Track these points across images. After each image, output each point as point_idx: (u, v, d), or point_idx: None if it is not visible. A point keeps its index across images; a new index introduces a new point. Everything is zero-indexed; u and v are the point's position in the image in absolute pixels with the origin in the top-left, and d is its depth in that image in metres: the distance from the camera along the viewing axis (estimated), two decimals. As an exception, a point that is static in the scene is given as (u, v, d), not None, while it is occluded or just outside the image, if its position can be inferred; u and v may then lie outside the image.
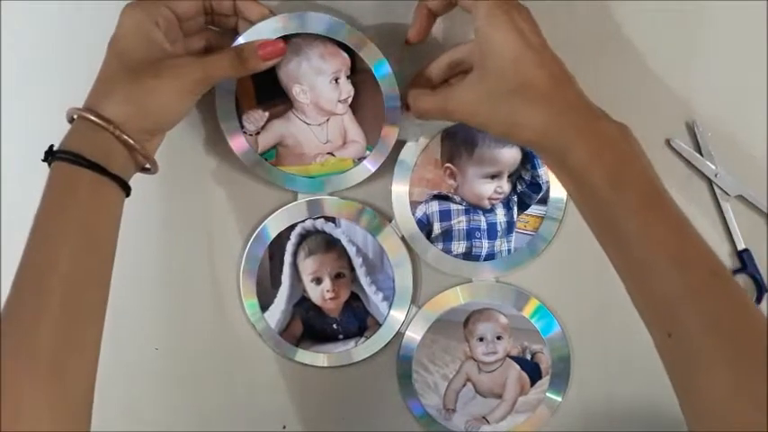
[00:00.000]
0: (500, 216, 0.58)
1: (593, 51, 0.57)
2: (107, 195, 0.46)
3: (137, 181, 0.48)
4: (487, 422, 0.61)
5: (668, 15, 0.57)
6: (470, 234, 0.58)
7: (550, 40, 0.46)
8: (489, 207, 0.58)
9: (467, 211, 0.58)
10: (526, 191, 0.58)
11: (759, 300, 0.59)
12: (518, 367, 0.60)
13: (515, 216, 0.58)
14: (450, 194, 0.58)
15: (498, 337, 0.60)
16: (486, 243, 0.58)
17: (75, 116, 0.47)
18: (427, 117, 0.53)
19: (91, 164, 0.45)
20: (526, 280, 0.60)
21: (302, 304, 0.60)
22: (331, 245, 0.59)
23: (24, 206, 0.44)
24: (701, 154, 0.58)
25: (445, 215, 0.58)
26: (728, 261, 0.60)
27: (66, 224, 0.45)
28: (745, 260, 0.59)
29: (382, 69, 0.55)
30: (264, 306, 0.59)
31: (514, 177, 0.58)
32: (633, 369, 0.61)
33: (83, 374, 0.44)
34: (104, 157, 0.46)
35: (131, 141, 0.47)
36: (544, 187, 0.58)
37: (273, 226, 0.58)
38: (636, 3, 0.57)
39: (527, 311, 0.59)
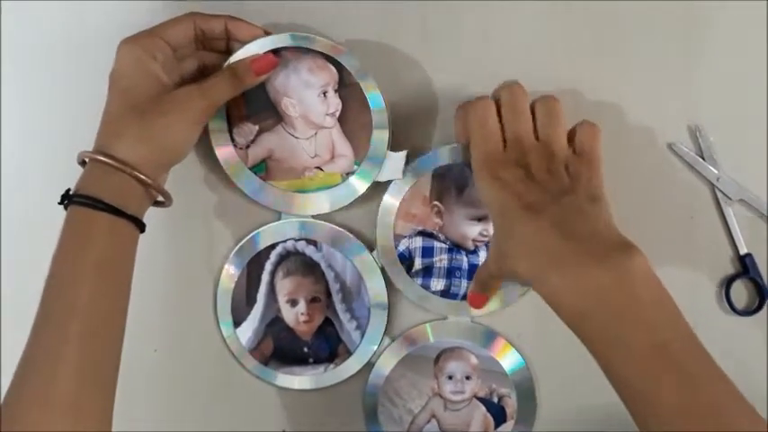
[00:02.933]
0: (482, 258, 0.57)
1: (596, 54, 0.57)
2: (124, 235, 0.47)
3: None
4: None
5: (671, 18, 0.57)
6: (451, 273, 0.58)
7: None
8: (473, 248, 0.58)
9: (450, 250, 0.58)
10: (511, 236, 0.58)
11: (761, 305, 0.59)
12: (484, 409, 0.60)
13: (497, 259, 0.58)
14: (434, 232, 0.57)
15: (467, 377, 0.59)
16: (465, 283, 0.58)
17: (86, 159, 0.47)
18: (492, 286, 0.56)
19: (109, 207, 0.45)
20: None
21: (275, 324, 0.59)
22: (310, 268, 0.59)
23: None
24: (704, 158, 0.58)
25: (428, 252, 0.58)
26: (730, 266, 0.59)
27: (84, 267, 0.45)
28: (747, 264, 0.58)
29: (369, 82, 0.55)
30: (237, 322, 0.59)
31: (501, 221, 0.57)
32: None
33: (101, 408, 0.45)
34: (122, 199, 0.46)
35: (148, 180, 0.47)
36: (529, 234, 0.57)
37: (255, 244, 0.58)
38: (638, 4, 0.56)
39: (498, 354, 0.59)
